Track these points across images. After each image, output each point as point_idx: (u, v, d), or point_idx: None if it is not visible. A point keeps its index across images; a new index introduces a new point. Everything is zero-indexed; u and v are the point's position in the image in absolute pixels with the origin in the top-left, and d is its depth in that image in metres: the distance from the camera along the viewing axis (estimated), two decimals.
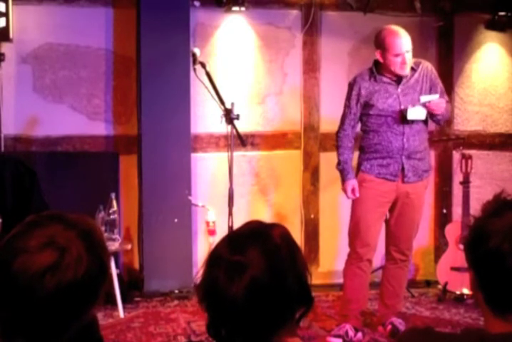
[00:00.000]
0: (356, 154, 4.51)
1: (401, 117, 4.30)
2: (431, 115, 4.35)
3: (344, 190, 4.41)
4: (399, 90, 4.35)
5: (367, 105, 4.37)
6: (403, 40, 4.24)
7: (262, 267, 1.52)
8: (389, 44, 4.23)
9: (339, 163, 4.45)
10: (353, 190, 4.37)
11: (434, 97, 4.31)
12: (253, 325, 1.53)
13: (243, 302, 1.51)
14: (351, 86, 4.44)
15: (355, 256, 4.42)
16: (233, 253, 1.55)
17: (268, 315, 1.53)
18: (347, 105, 4.43)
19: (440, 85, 4.47)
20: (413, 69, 4.37)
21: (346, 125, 4.43)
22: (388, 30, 4.29)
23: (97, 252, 1.48)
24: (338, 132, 4.47)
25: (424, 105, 4.29)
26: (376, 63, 4.37)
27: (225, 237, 1.63)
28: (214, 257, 1.58)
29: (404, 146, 4.34)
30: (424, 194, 4.53)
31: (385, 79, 4.36)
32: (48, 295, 1.40)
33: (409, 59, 4.28)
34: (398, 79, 4.35)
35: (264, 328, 1.53)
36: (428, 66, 4.45)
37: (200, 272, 1.60)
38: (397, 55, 4.24)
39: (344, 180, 4.41)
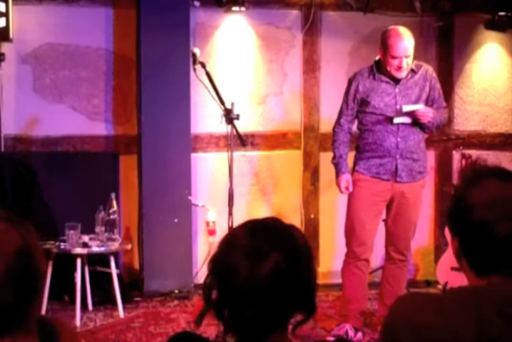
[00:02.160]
0: (352, 153, 4.52)
1: (389, 121, 4.33)
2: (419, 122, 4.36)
3: (338, 185, 4.42)
4: (397, 90, 4.35)
5: (364, 103, 4.38)
6: (405, 45, 4.21)
7: (283, 253, 1.55)
8: (390, 45, 4.22)
9: (334, 157, 4.46)
10: (346, 185, 4.38)
11: (418, 107, 4.30)
12: (268, 312, 1.54)
13: (266, 285, 1.52)
14: (350, 82, 4.45)
15: (352, 256, 4.43)
16: (254, 238, 1.57)
17: (284, 304, 1.54)
18: (345, 101, 4.45)
19: (438, 90, 4.46)
20: (413, 71, 4.36)
21: (343, 120, 4.44)
22: (394, 31, 4.26)
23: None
24: (334, 127, 4.49)
25: (409, 113, 4.30)
26: (378, 61, 4.37)
27: (244, 224, 1.64)
28: (233, 241, 1.59)
29: (399, 145, 4.34)
30: (421, 194, 4.53)
31: (384, 78, 4.35)
32: None
33: (407, 64, 4.26)
34: (397, 79, 4.35)
35: (274, 318, 1.55)
36: (428, 70, 4.44)
37: (214, 252, 1.61)
38: (394, 58, 4.23)
39: (338, 175, 4.42)
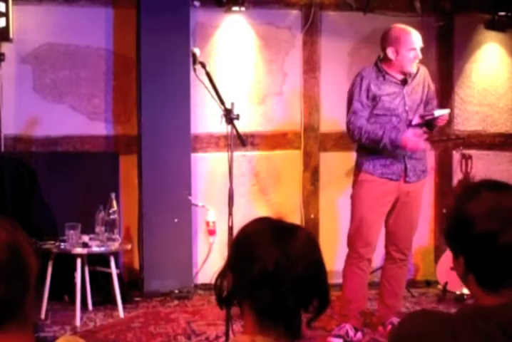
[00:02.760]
0: (353, 153, 4.51)
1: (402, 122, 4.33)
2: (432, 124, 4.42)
3: (409, 146, 4.22)
4: (405, 90, 4.35)
5: (373, 103, 4.35)
6: (417, 35, 4.31)
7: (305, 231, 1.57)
8: (405, 39, 4.26)
9: (379, 140, 4.22)
10: (414, 135, 4.22)
11: (446, 112, 4.37)
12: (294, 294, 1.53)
13: (299, 261, 1.52)
14: (359, 81, 4.33)
15: (356, 256, 4.42)
16: (271, 223, 1.58)
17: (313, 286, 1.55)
18: (357, 100, 4.30)
19: (433, 91, 4.52)
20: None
21: (362, 119, 4.29)
22: (400, 27, 4.34)
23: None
24: (350, 122, 4.31)
25: (434, 118, 4.32)
26: (382, 63, 4.36)
27: (251, 220, 1.64)
28: (252, 229, 1.59)
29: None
30: (422, 193, 4.54)
31: (392, 79, 4.35)
32: None
33: (420, 56, 4.32)
34: (403, 79, 4.36)
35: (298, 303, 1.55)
36: (425, 70, 4.49)
37: (234, 239, 1.61)
38: (413, 50, 4.27)
39: (397, 142, 4.19)
